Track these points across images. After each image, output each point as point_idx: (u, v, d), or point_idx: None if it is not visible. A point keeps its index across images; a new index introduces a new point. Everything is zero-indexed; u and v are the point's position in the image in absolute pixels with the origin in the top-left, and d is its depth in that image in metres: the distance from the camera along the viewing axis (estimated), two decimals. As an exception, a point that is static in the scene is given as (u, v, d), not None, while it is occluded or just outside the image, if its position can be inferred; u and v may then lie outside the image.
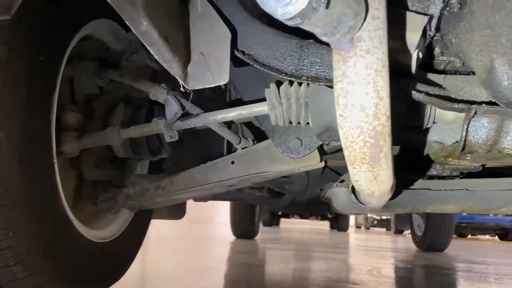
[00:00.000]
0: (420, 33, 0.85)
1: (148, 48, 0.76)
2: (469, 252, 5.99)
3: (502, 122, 0.95)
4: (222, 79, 0.91)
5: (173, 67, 0.82)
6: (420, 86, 0.94)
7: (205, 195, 1.50)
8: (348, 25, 0.70)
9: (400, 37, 0.87)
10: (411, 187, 1.48)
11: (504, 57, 0.74)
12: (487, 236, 12.50)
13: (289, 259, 3.63)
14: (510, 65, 0.74)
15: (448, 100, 0.93)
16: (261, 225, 10.58)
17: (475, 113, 0.92)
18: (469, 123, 0.95)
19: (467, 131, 0.96)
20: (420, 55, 0.91)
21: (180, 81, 0.87)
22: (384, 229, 16.55)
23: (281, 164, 1.24)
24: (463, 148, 0.99)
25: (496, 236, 11.85)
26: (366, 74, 0.72)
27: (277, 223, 11.84)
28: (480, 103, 0.93)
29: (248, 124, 1.43)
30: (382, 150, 0.80)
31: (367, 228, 17.17)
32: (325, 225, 15.40)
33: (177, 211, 2.01)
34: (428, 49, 1.03)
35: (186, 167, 1.38)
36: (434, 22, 0.92)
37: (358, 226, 18.57)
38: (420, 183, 1.48)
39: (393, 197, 1.48)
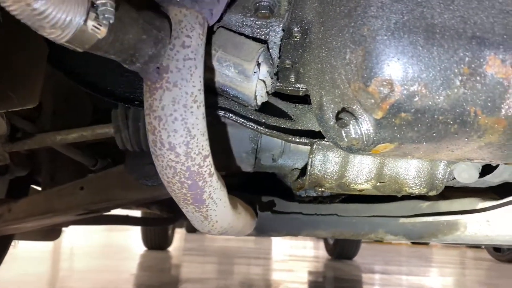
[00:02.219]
0: (254, 62, 0.79)
1: None
2: (378, 259, 6.26)
3: (347, 157, 0.92)
4: (30, 102, 0.78)
5: None
6: (261, 117, 0.88)
7: (58, 222, 1.35)
8: (148, 53, 0.61)
9: (237, 66, 0.80)
10: (287, 210, 1.44)
11: (329, 95, 0.70)
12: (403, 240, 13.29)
13: (200, 276, 3.50)
14: (335, 104, 0.69)
15: (290, 132, 0.89)
16: (184, 232, 10.35)
17: (316, 147, 0.88)
18: (313, 156, 0.91)
19: (311, 165, 0.92)
20: (259, 85, 0.85)
21: (-28, 103, 0.73)
22: (309, 234, 16.94)
23: (136, 192, 1.13)
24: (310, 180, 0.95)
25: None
26: (173, 110, 0.63)
27: (202, 230, 11.60)
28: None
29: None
30: (204, 191, 0.72)
31: (293, 232, 17.51)
32: (252, 230, 15.44)
33: (49, 233, 1.82)
34: (284, 76, 0.98)
35: (65, 182, 1.23)
36: (275, 51, 0.87)
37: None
38: (295, 206, 1.45)
39: (268, 221, 1.44)
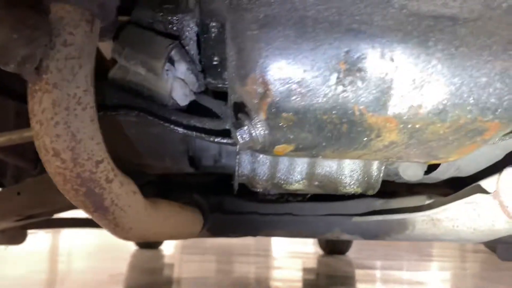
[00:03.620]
0: (163, 60, 0.75)
1: None
2: (372, 253, 6.20)
3: (277, 157, 0.88)
4: None
5: None
6: (182, 117, 0.84)
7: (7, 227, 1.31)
8: (21, 53, 0.57)
9: (144, 63, 0.76)
10: (243, 210, 1.40)
11: (233, 94, 0.66)
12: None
13: (193, 275, 3.44)
14: (239, 111, 0.65)
15: (215, 133, 0.84)
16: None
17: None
18: (239, 157, 0.87)
19: (239, 166, 0.88)
20: (177, 83, 0.80)
21: None
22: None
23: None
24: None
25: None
26: (53, 113, 0.59)
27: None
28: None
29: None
30: (104, 198, 0.68)
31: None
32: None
33: (14, 236, 1.79)
34: (216, 73, 0.94)
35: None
36: (193, 47, 0.82)
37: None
38: (252, 206, 1.41)
39: (222, 222, 1.40)
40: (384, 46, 0.48)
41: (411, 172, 1.00)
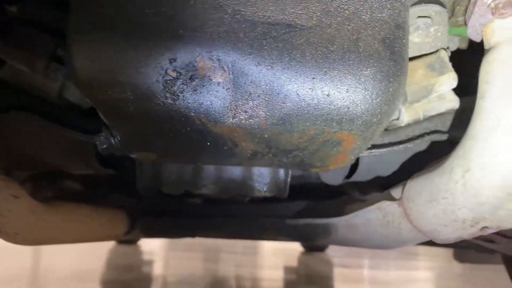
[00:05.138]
0: (45, 59, 0.71)
1: None
2: (352, 250, 6.19)
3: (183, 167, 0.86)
4: None
5: None
6: (79, 119, 0.81)
7: None
8: None
9: (28, 62, 0.73)
10: (179, 212, 1.38)
11: None
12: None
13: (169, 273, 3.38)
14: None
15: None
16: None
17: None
18: (139, 162, 0.84)
19: (140, 170, 0.85)
20: (69, 83, 0.77)
21: None
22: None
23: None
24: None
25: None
26: None
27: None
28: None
29: None
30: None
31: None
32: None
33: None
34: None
35: None
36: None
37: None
38: (188, 208, 1.39)
39: (156, 224, 1.37)
40: (214, 54, 0.45)
41: (330, 176, 0.98)
